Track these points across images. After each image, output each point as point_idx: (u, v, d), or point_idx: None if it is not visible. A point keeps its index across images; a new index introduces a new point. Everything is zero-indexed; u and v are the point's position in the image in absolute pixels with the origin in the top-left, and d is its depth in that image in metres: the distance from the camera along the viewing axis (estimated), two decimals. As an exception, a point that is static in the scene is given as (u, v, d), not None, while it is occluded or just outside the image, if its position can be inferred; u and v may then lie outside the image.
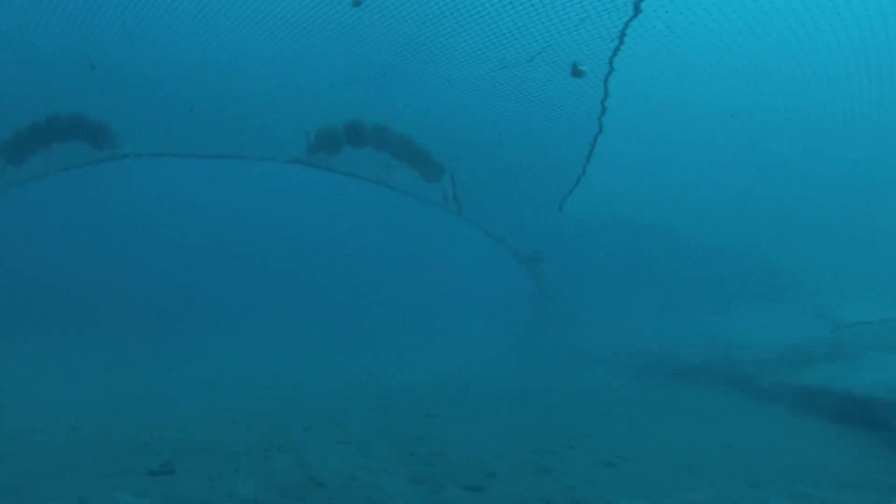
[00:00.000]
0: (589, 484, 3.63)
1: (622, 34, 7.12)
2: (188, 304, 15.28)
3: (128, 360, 9.07)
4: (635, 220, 9.35)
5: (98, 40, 8.58)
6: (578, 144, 9.09)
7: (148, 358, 9.37)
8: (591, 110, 8.48)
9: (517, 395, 7.15)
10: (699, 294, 9.10)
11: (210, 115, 10.23)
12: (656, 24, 6.52)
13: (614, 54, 7.47)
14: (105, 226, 16.97)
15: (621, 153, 8.67)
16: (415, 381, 7.73)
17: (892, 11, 5.32)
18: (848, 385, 6.24)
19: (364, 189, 11.41)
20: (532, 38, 7.84)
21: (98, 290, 15.32)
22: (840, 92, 6.05)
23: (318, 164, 11.01)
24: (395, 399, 6.54)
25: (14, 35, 7.90)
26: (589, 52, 7.76)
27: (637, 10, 6.44)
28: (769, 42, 6.18)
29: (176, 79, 9.46)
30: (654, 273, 9.69)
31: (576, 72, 7.63)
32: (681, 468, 4.14)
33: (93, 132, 9.71)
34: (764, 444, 5.07)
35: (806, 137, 6.65)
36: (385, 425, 5.31)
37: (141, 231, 17.24)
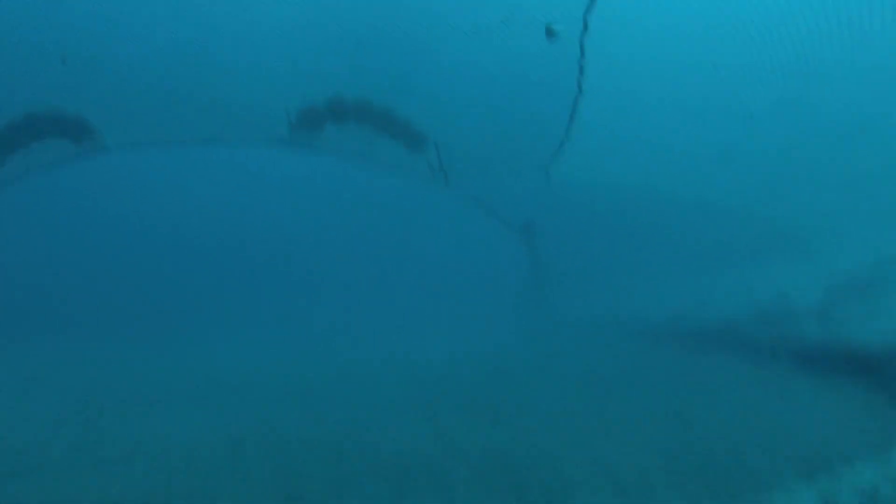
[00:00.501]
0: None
1: (594, -12, 6.88)
2: (177, 295, 15.40)
3: (112, 359, 9.15)
4: (623, 182, 9.20)
5: (66, 31, 8.43)
6: (561, 107, 8.91)
7: (133, 356, 9.45)
8: (570, 72, 8.27)
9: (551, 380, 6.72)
10: (693, 252, 9.02)
11: (188, 100, 10.10)
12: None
13: (588, 11, 7.22)
14: (90, 220, 17.00)
15: (604, 114, 8.48)
16: (435, 371, 7.29)
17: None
18: (847, 338, 6.19)
19: (349, 167, 11.30)
20: (504, -1, 7.60)
21: (87, 284, 15.45)
22: (819, 40, 5.83)
23: (301, 143, 10.90)
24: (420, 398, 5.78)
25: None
26: (564, 10, 7.53)
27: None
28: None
29: (151, 64, 9.32)
30: (644, 234, 9.58)
31: (549, 33, 7.40)
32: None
33: (70, 127, 9.63)
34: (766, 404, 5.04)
35: (788, 87, 6.43)
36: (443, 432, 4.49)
37: (126, 222, 17.28)
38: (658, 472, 3.36)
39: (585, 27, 7.40)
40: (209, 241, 18.28)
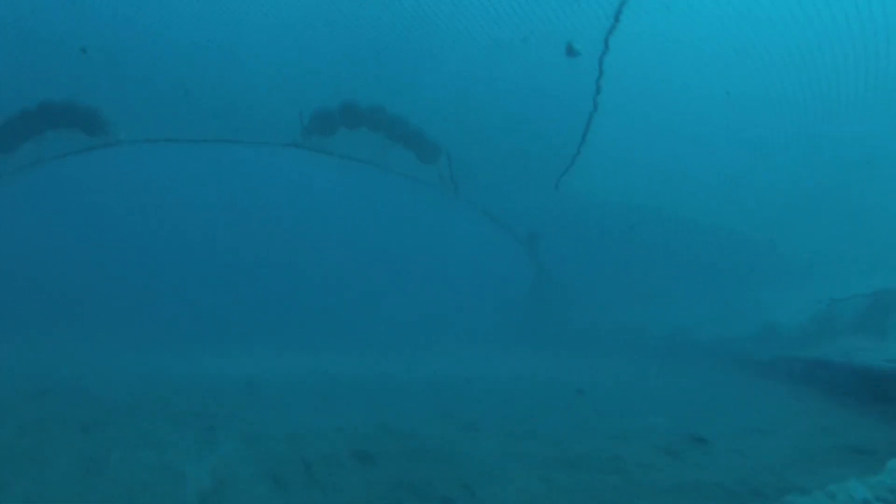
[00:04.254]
0: None
1: (618, 13, 7.05)
2: (184, 294, 15.34)
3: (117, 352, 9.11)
4: (630, 200, 9.37)
5: (90, 23, 8.45)
6: (574, 124, 9.06)
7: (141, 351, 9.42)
8: (586, 89, 8.42)
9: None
10: (698, 273, 9.19)
11: (203, 99, 10.13)
12: (653, 2, 6.44)
13: (609, 33, 7.40)
14: (99, 214, 16.91)
15: (617, 132, 8.65)
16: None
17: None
18: (847, 358, 6.35)
19: (359, 172, 11.37)
20: (527, 17, 7.75)
21: (93, 278, 15.34)
22: (835, 72, 6.02)
23: (314, 147, 10.96)
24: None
25: (5, 19, 7.78)
26: (584, 31, 7.69)
27: (632, -11, 6.37)
28: (766, 22, 6.12)
29: (169, 62, 9.35)
30: (649, 253, 9.75)
31: (570, 51, 7.56)
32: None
33: (85, 119, 9.63)
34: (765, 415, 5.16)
35: (799, 119, 6.63)
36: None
37: (135, 218, 17.20)
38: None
39: (606, 48, 7.57)
40: (209, 241, 18.23)
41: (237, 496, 2.96)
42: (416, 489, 3.17)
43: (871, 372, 6.12)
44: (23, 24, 8.28)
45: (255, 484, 3.14)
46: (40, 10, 8.16)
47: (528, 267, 12.33)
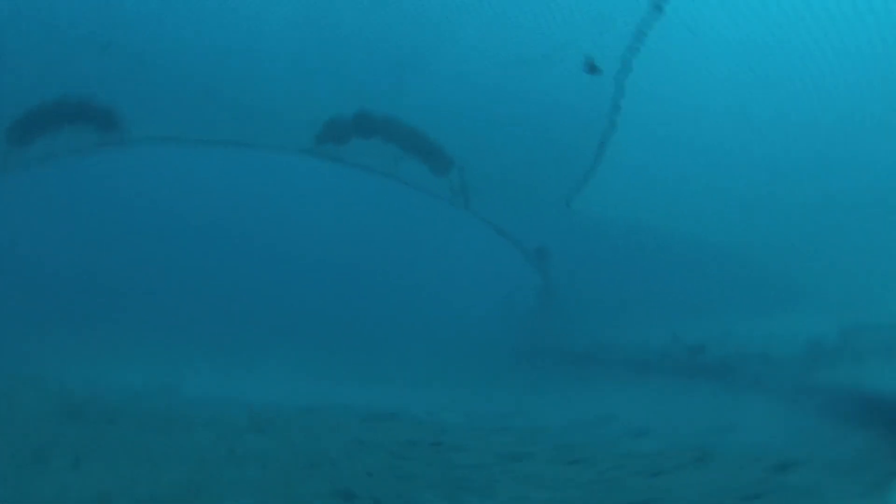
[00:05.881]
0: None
1: (640, 33, 7.08)
2: (192, 293, 15.23)
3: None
4: (644, 221, 9.33)
5: (114, 20, 8.46)
6: (590, 141, 9.05)
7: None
8: (603, 108, 8.43)
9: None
10: (707, 296, 9.12)
11: (219, 101, 10.14)
12: (677, 24, 6.47)
13: (630, 52, 7.42)
14: (111, 211, 16.87)
15: (633, 152, 8.64)
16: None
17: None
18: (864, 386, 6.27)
19: (370, 181, 11.35)
20: (548, 33, 7.78)
21: (103, 275, 15.26)
22: (856, 97, 6.03)
23: (326, 155, 10.96)
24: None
25: (28, 12, 7.79)
26: (605, 49, 7.71)
27: (658, 9, 6.39)
28: (788, 46, 6.13)
29: (187, 63, 9.37)
30: (659, 274, 9.69)
31: (591, 69, 7.58)
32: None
33: (101, 116, 9.63)
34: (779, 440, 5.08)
35: (821, 144, 6.62)
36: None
37: (147, 217, 17.14)
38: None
39: (624, 66, 7.59)
40: (216, 244, 18.17)
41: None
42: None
43: (885, 398, 6.04)
44: (45, 19, 8.30)
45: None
46: (63, 5, 8.19)
47: (535, 283, 12.27)
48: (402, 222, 16.65)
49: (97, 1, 7.92)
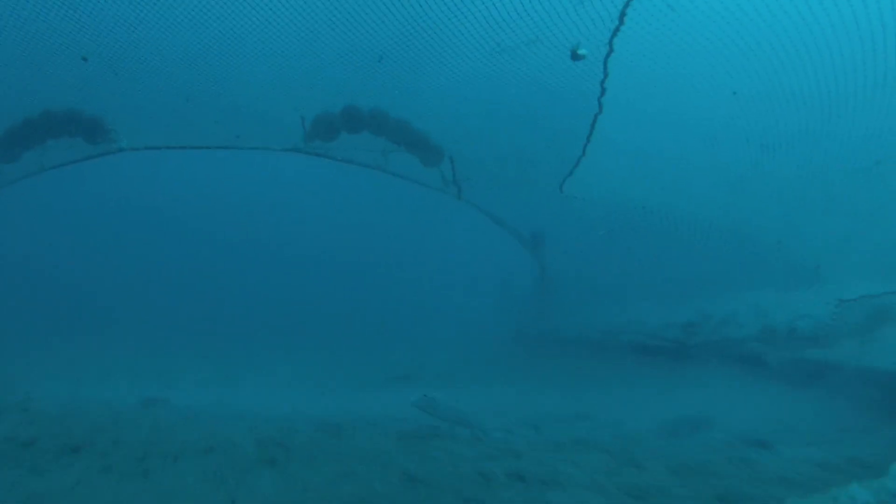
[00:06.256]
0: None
1: (622, 14, 7.01)
2: (188, 299, 15.26)
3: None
4: (636, 201, 9.32)
5: (91, 31, 8.39)
6: (578, 125, 9.00)
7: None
8: (591, 91, 8.38)
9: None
10: (703, 274, 9.14)
11: (204, 105, 10.07)
12: (657, 2, 6.41)
13: (614, 35, 7.36)
14: (103, 221, 16.85)
15: (622, 134, 8.60)
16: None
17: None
18: (859, 361, 6.31)
19: (362, 175, 11.31)
20: (531, 19, 7.70)
21: (97, 285, 15.28)
22: (843, 70, 5.98)
23: (315, 152, 10.90)
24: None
25: (6, 29, 7.72)
26: (588, 32, 7.64)
27: (637, -10, 6.32)
28: (771, 20, 6.08)
29: (170, 69, 9.29)
30: (654, 253, 9.70)
31: (575, 56, 7.52)
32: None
33: (87, 127, 9.58)
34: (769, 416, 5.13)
35: (807, 118, 6.59)
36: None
37: (139, 225, 17.12)
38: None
39: (611, 50, 7.53)
40: (210, 247, 18.17)
41: None
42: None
43: (880, 373, 6.09)
44: (23, 34, 8.23)
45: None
46: (41, 20, 8.11)
47: (532, 268, 12.28)
48: (397, 215, 16.63)
49: (73, 13, 7.84)
